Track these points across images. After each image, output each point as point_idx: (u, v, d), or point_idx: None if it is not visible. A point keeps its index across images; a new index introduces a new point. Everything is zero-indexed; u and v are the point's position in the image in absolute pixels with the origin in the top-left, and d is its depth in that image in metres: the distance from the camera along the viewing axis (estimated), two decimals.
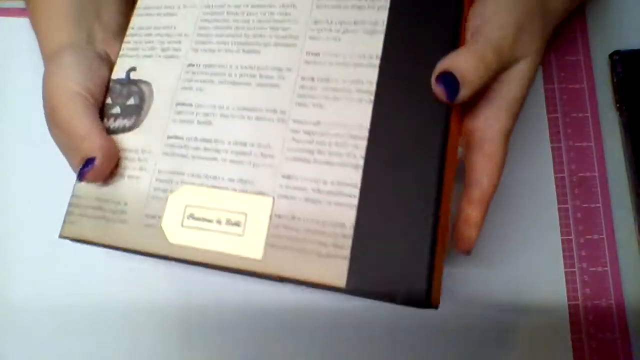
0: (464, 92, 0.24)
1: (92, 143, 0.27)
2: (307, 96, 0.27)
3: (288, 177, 0.26)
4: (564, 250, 0.36)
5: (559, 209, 0.37)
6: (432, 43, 0.25)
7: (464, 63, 0.24)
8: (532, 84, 0.26)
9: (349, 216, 0.24)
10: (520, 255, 0.36)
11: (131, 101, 0.29)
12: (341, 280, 0.23)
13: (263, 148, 0.27)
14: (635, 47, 0.39)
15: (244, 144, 0.27)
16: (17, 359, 0.36)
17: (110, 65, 0.31)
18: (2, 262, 0.37)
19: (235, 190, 0.26)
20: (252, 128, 0.27)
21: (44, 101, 0.28)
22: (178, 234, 0.26)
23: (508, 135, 0.26)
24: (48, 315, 0.36)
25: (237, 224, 0.26)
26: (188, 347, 0.36)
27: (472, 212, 0.26)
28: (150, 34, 0.31)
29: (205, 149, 0.27)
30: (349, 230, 0.24)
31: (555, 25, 0.29)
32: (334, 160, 0.25)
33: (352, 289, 0.23)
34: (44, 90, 0.28)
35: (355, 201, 0.24)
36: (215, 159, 0.27)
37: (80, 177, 0.26)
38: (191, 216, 0.26)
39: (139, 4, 0.32)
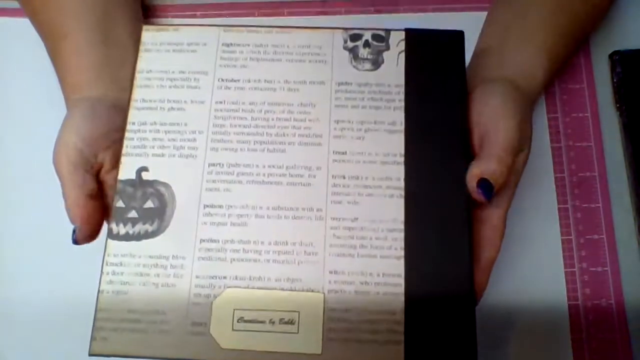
0: (494, 192, 0.29)
1: (73, 213, 0.29)
2: (341, 194, 0.29)
3: (335, 272, 0.27)
4: (564, 250, 0.37)
5: (559, 209, 0.38)
6: (449, 140, 0.29)
7: (493, 170, 0.29)
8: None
9: (398, 303, 0.27)
10: (520, 255, 0.37)
11: (149, 204, 0.29)
12: None
13: (306, 246, 0.28)
14: (635, 47, 0.40)
15: (286, 243, 0.28)
16: (17, 359, 0.36)
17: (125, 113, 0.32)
18: (2, 262, 0.37)
19: (283, 289, 0.27)
20: (291, 227, 0.28)
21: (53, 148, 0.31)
22: (230, 338, 0.27)
23: (507, 212, 0.31)
24: (48, 315, 0.36)
25: (291, 322, 0.27)
26: None
27: (478, 277, 0.30)
28: (157, 131, 0.30)
29: (245, 251, 0.28)
30: (400, 316, 0.27)
31: (533, 106, 0.35)
32: (377, 253, 0.28)
33: None
34: (56, 138, 0.31)
35: (402, 289, 0.27)
36: (257, 260, 0.28)
37: (73, 241, 0.29)
38: (241, 319, 0.27)
39: (134, 96, 0.30)
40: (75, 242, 0.29)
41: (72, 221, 0.29)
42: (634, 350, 0.36)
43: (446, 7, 0.42)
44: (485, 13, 0.38)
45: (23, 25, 0.44)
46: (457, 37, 0.31)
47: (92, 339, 0.27)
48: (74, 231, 0.29)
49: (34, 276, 0.38)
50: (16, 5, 0.42)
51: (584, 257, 0.38)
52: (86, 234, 0.29)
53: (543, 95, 0.41)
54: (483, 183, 0.29)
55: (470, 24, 0.35)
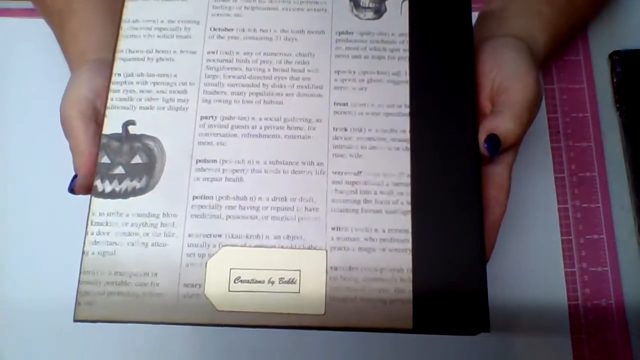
0: (503, 149, 0.28)
1: (83, 163, 0.28)
2: (343, 147, 0.27)
3: (338, 228, 0.26)
4: (564, 250, 0.37)
5: (559, 209, 0.38)
6: (455, 89, 0.28)
7: (505, 127, 0.28)
8: None
9: (406, 260, 0.26)
10: (520, 255, 0.37)
11: (137, 159, 0.27)
12: (408, 323, 0.25)
13: (306, 202, 0.27)
14: (635, 47, 0.40)
15: (285, 199, 0.27)
16: (17, 359, 0.36)
17: None
18: (2, 262, 0.37)
19: (283, 247, 0.26)
20: (291, 182, 0.27)
21: (60, 103, 0.30)
22: (226, 299, 0.25)
23: (511, 167, 0.31)
24: (48, 315, 0.36)
25: (292, 282, 0.25)
26: (189, 346, 0.36)
27: (486, 236, 0.30)
28: (145, 82, 0.28)
29: (241, 208, 0.26)
30: (408, 274, 0.26)
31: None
32: (382, 209, 0.27)
33: (419, 329, 0.25)
34: (63, 96, 0.30)
35: (409, 245, 0.26)
36: (254, 217, 0.26)
37: (69, 189, 0.28)
38: (238, 279, 0.25)
39: (119, 47, 0.29)
40: (73, 190, 0.28)
41: (78, 168, 0.28)
42: (634, 350, 0.36)
43: None
44: None
45: (23, 25, 0.44)
46: None
47: (77, 303, 0.25)
48: (73, 178, 0.28)
49: (34, 276, 0.38)
50: (16, 5, 0.42)
51: (584, 257, 0.38)
52: (87, 184, 0.28)
53: (543, 95, 0.41)
54: (491, 138, 0.28)
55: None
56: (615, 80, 0.41)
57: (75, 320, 0.25)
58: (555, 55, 0.41)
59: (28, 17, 0.43)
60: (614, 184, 0.40)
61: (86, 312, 0.25)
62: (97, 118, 0.29)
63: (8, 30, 0.43)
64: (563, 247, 0.38)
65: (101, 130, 0.28)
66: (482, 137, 0.28)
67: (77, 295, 0.25)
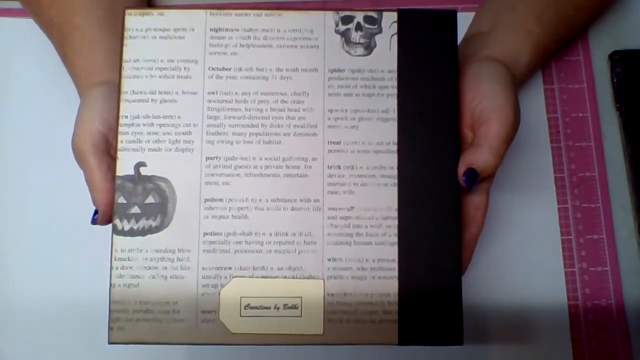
0: (481, 180, 0.31)
1: (100, 198, 0.31)
2: (337, 184, 0.31)
3: (333, 259, 0.30)
4: (564, 250, 0.38)
5: (559, 209, 0.39)
6: (440, 126, 0.31)
7: (483, 160, 0.31)
8: None
9: (393, 286, 0.30)
10: (520, 255, 0.37)
11: (150, 200, 0.31)
12: (394, 339, 0.30)
13: (305, 236, 0.31)
14: (635, 47, 0.41)
15: (286, 234, 0.31)
16: (17, 359, 0.36)
17: None
18: (2, 262, 0.37)
19: (285, 277, 0.30)
20: (290, 218, 0.31)
21: (73, 134, 0.32)
22: (238, 323, 0.30)
23: (489, 189, 0.33)
24: (48, 315, 0.37)
25: (294, 307, 0.30)
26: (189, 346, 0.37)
27: (463, 253, 0.33)
28: (151, 124, 0.31)
29: (247, 243, 0.31)
30: (394, 298, 0.30)
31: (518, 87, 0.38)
32: (372, 241, 0.31)
33: (404, 343, 0.30)
34: (74, 127, 0.32)
35: (395, 273, 0.30)
36: (259, 251, 0.30)
37: (92, 222, 0.31)
38: (248, 306, 0.30)
39: (123, 88, 0.32)
40: (95, 223, 0.31)
41: (97, 205, 0.31)
42: (634, 350, 0.37)
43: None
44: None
45: (23, 25, 0.44)
46: (449, 17, 0.32)
47: (110, 328, 0.30)
48: (95, 213, 0.31)
49: (34, 276, 0.38)
50: (16, 5, 0.43)
51: (584, 257, 0.39)
52: (107, 217, 0.31)
53: (543, 95, 0.41)
54: (469, 172, 0.31)
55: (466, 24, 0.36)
56: (615, 80, 0.41)
57: (110, 343, 0.30)
58: (555, 55, 0.41)
59: (28, 17, 0.43)
60: (614, 184, 0.40)
61: (119, 336, 0.30)
62: (109, 151, 0.32)
63: (8, 30, 0.44)
64: (563, 247, 0.39)
65: (114, 163, 0.31)
66: (461, 171, 0.31)
67: (109, 321, 0.30)
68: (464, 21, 0.37)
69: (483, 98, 0.32)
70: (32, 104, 0.44)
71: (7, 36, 0.45)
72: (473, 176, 0.31)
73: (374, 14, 0.32)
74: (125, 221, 0.30)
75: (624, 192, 0.41)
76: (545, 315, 0.38)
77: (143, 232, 0.30)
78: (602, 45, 0.43)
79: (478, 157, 0.31)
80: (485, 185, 0.33)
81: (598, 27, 0.44)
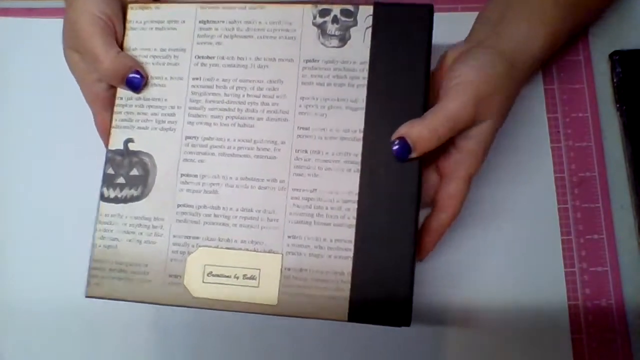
0: (413, 155, 0.31)
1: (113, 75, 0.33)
2: (303, 167, 0.33)
3: (293, 237, 0.32)
4: (564, 250, 0.38)
5: (559, 209, 0.39)
6: (407, 118, 0.32)
7: (418, 133, 0.30)
8: (491, 142, 0.33)
9: (347, 266, 0.32)
10: (520, 255, 0.37)
11: (134, 172, 0.34)
12: (344, 316, 0.31)
13: (269, 213, 0.32)
14: (635, 47, 0.41)
15: (251, 210, 0.33)
16: (17, 359, 0.36)
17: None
18: (2, 262, 0.37)
19: (247, 250, 0.32)
20: (257, 196, 0.33)
21: (65, 27, 0.33)
22: (200, 289, 0.32)
23: (471, 178, 0.33)
24: (48, 315, 0.37)
25: (252, 278, 0.32)
26: (189, 346, 0.36)
27: (427, 238, 0.34)
28: (142, 106, 0.34)
29: (215, 216, 0.33)
30: (347, 277, 0.32)
31: (524, 80, 0.35)
32: (331, 222, 0.32)
33: (353, 319, 0.31)
34: (67, 16, 0.33)
35: (350, 254, 0.32)
36: (226, 224, 0.33)
37: (129, 85, 0.34)
38: (210, 274, 0.32)
39: None
40: (130, 84, 0.34)
41: (113, 71, 0.33)
42: (634, 350, 0.37)
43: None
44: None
45: (23, 25, 0.44)
46: (425, 11, 0.33)
47: (88, 284, 0.33)
48: (131, 79, 0.33)
49: (34, 276, 0.39)
50: (16, 5, 0.43)
51: (584, 257, 0.39)
52: (120, 78, 0.33)
53: (543, 95, 0.41)
54: (400, 142, 0.31)
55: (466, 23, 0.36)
56: (615, 80, 0.41)
57: (86, 296, 0.33)
58: (555, 55, 0.41)
59: (28, 17, 0.43)
60: (614, 184, 0.40)
61: (94, 290, 0.33)
62: (113, 33, 0.33)
63: (8, 30, 0.44)
64: (563, 247, 0.39)
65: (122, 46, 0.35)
66: (392, 139, 0.31)
67: (88, 277, 0.33)
68: (464, 21, 0.37)
69: (453, 78, 0.31)
70: (32, 104, 0.45)
71: (7, 36, 0.46)
72: (404, 147, 0.31)
73: (350, 7, 0.34)
74: (111, 189, 0.34)
75: (624, 192, 0.40)
76: (545, 315, 0.38)
77: (125, 200, 0.34)
78: (602, 45, 0.43)
79: (414, 128, 0.31)
80: (463, 174, 0.32)
81: (598, 27, 0.44)
